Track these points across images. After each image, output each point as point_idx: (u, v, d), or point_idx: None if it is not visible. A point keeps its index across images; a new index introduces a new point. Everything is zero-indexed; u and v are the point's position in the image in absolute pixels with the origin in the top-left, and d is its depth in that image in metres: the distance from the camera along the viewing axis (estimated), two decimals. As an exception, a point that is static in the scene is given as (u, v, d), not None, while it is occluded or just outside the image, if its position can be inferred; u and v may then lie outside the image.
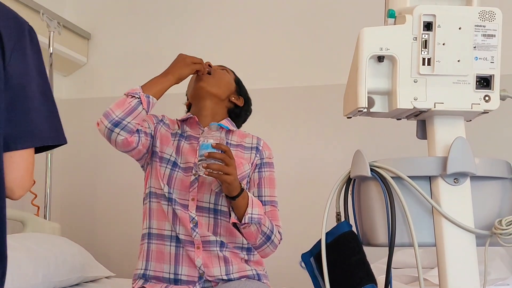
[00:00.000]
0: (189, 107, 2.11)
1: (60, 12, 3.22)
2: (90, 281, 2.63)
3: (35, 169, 3.11)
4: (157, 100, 1.85)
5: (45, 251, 2.32)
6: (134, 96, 1.80)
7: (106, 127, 1.79)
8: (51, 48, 3.00)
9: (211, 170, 1.72)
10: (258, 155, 1.99)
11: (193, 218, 1.87)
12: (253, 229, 1.83)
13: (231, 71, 2.13)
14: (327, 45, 3.08)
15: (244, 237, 1.88)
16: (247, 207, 1.79)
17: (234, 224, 1.85)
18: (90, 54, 3.49)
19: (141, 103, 1.80)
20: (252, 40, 3.21)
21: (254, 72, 3.15)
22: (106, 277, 2.75)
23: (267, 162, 2.01)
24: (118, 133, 1.79)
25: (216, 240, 1.88)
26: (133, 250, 2.26)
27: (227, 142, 1.96)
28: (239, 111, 2.09)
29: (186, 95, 2.12)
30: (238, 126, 2.10)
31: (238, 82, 2.12)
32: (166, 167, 1.92)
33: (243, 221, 1.79)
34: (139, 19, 3.41)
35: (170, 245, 1.89)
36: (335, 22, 3.07)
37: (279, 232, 1.93)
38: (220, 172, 1.73)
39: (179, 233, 1.87)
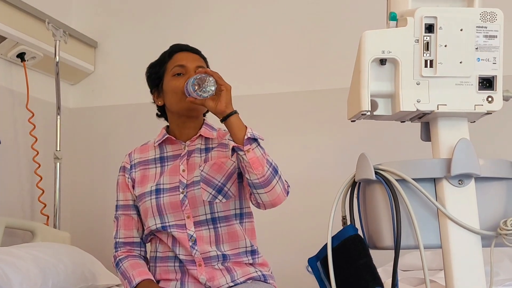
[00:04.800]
0: (162, 108, 2.00)
1: (66, 21, 3.23)
2: (100, 289, 2.64)
3: (43, 179, 3.11)
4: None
5: (55, 260, 2.33)
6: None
7: None
8: (57, 57, 3.00)
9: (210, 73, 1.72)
10: None
11: (192, 235, 1.85)
12: (258, 154, 1.71)
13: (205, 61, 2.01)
14: (329, 49, 3.07)
15: (250, 170, 1.70)
16: (246, 129, 1.72)
17: (236, 156, 1.74)
18: (97, 62, 3.49)
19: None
20: (257, 45, 3.21)
21: (257, 78, 3.16)
22: (116, 285, 2.76)
23: None
24: None
25: (217, 255, 1.85)
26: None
27: (209, 147, 1.93)
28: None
29: (159, 103, 1.98)
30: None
31: None
32: (150, 199, 1.89)
33: (245, 137, 1.69)
34: (146, 27, 3.41)
35: (174, 266, 1.88)
36: (337, 26, 3.05)
37: (286, 180, 1.82)
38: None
39: (179, 254, 1.86)
